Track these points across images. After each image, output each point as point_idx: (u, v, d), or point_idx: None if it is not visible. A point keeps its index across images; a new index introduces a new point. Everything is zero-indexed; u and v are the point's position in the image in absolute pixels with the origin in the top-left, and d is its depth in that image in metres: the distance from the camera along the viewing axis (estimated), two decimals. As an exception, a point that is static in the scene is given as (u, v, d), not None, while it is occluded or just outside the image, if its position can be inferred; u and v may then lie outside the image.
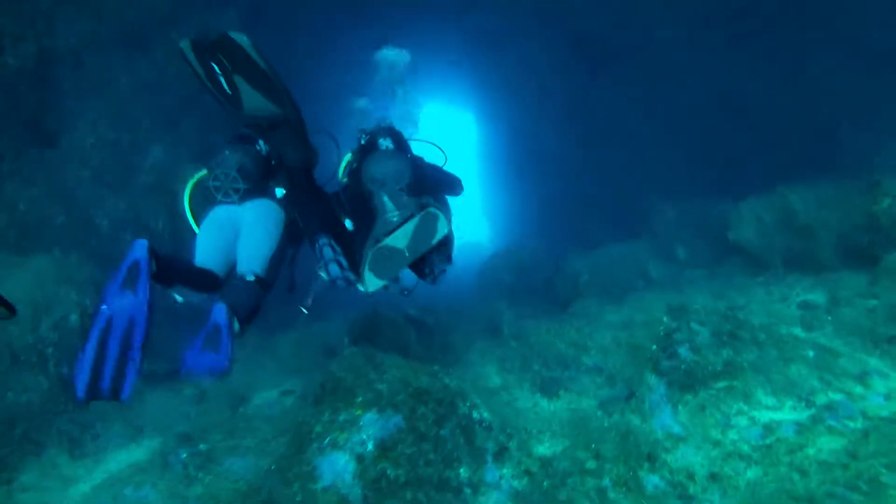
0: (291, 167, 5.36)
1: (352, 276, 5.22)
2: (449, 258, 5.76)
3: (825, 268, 7.37)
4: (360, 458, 4.19)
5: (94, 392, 3.65)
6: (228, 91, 5.11)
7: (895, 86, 9.68)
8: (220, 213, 5.07)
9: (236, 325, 4.23)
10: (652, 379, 4.85)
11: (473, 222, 24.16)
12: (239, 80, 5.04)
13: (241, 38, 4.89)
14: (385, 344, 6.85)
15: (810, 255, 7.69)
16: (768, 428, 4.35)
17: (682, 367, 4.83)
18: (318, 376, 5.28)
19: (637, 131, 13.88)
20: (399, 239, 5.06)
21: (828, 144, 10.12)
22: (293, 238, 5.45)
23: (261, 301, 4.62)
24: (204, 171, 5.28)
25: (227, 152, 5.14)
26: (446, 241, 5.65)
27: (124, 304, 3.78)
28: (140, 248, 3.99)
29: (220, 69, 5.03)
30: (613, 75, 13.54)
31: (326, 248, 5.17)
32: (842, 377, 4.82)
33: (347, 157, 5.76)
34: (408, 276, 5.78)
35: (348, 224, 5.46)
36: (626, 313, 7.99)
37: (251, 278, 4.71)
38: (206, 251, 4.88)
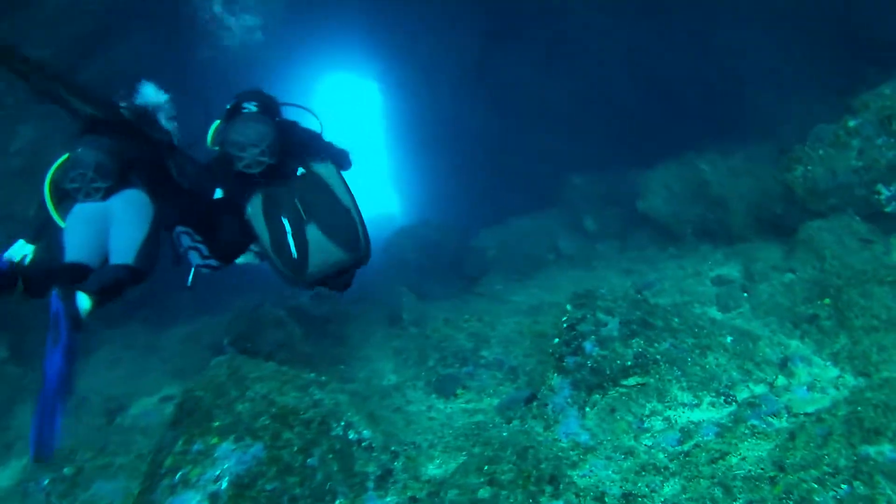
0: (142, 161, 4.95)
1: (214, 263, 5.02)
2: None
3: (738, 238, 7.03)
4: (213, 498, 3.49)
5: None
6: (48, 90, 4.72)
7: (797, 46, 9.40)
8: (85, 210, 4.61)
9: (86, 302, 3.91)
10: (555, 379, 4.30)
11: (383, 195, 23.54)
12: (42, 82, 4.65)
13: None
14: (266, 345, 6.15)
15: (723, 225, 7.34)
16: (686, 431, 3.86)
17: (589, 363, 4.29)
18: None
19: (544, 98, 13.40)
20: None
21: (734, 107, 9.84)
22: (166, 220, 5.00)
23: (122, 277, 4.28)
24: (66, 156, 4.70)
25: (79, 150, 4.58)
26: None
27: None
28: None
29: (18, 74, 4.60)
30: (517, 37, 12.97)
31: (183, 236, 4.97)
32: (763, 365, 4.39)
33: (216, 123, 5.29)
34: None
35: (219, 192, 5.15)
36: (533, 293, 7.50)
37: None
38: (76, 246, 4.52)
